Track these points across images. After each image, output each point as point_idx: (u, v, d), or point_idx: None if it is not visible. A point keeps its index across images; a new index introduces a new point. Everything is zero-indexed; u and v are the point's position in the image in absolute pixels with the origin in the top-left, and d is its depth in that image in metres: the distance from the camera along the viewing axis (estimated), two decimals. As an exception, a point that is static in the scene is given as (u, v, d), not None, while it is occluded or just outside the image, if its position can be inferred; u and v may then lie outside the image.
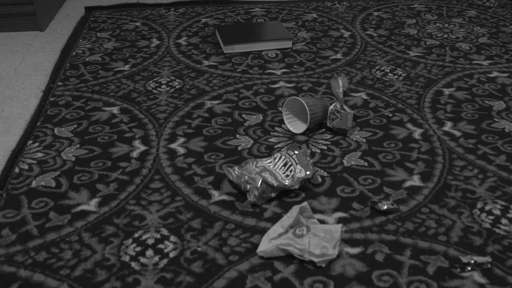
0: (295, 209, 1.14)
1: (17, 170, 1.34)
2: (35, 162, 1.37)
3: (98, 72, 1.83)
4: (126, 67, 1.86)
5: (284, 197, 1.24)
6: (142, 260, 1.08)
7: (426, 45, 2.05)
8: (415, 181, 1.31)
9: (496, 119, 1.57)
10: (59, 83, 1.76)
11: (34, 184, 1.29)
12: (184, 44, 2.04)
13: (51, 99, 1.66)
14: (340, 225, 1.12)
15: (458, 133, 1.49)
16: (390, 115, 1.58)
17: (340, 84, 1.47)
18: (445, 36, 2.14)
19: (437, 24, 2.25)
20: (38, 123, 1.54)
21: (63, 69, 1.85)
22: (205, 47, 2.02)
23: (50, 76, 1.82)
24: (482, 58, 1.95)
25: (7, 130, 1.53)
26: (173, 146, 1.43)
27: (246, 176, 1.23)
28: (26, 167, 1.35)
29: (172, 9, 2.38)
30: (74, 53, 1.96)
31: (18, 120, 1.58)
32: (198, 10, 2.38)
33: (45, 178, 1.31)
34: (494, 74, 1.84)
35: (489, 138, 1.48)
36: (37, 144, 1.44)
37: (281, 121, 1.53)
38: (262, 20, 2.27)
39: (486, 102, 1.66)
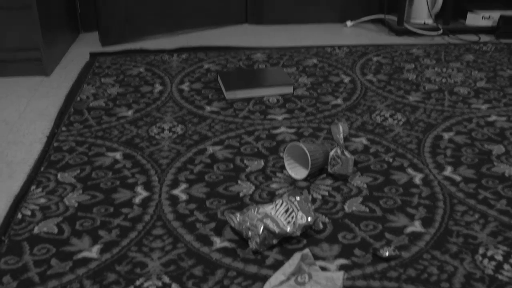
0: (296, 256, 1.15)
1: (19, 216, 1.35)
2: (37, 208, 1.38)
3: (101, 118, 1.85)
4: (129, 113, 1.89)
5: (285, 243, 1.24)
6: (144, 308, 1.08)
7: (425, 90, 2.08)
8: (417, 226, 1.31)
9: (495, 163, 1.58)
10: (63, 128, 1.78)
11: (36, 230, 1.29)
12: (186, 90, 2.08)
13: (55, 144, 1.68)
14: (342, 272, 1.11)
15: (458, 178, 1.50)
16: (391, 160, 1.59)
17: (340, 130, 1.49)
18: (443, 80, 2.18)
19: (436, 69, 2.29)
20: (42, 168, 1.55)
21: (67, 114, 1.88)
22: (208, 93, 2.05)
23: (55, 121, 1.84)
24: (481, 102, 1.98)
25: (11, 175, 1.54)
26: (175, 192, 1.44)
27: (248, 223, 1.23)
28: (29, 213, 1.36)
29: (175, 55, 2.43)
30: (79, 98, 1.99)
31: (22, 165, 1.59)
32: (200, 56, 2.43)
33: (48, 224, 1.31)
34: (493, 118, 1.86)
35: (489, 183, 1.48)
36: (40, 189, 1.45)
37: (283, 167, 1.55)
38: (264, 66, 2.31)
39: (486, 146, 1.67)
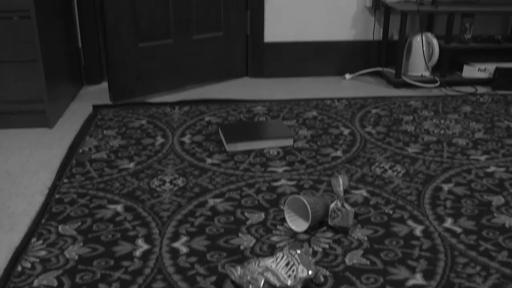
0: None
1: (19, 268, 1.34)
2: (37, 260, 1.37)
3: (103, 170, 1.87)
4: (131, 165, 1.90)
5: (286, 297, 1.24)
6: None
7: (424, 141, 2.11)
8: (418, 279, 1.30)
9: (495, 214, 1.58)
10: (65, 180, 1.79)
11: (36, 283, 1.29)
12: (188, 142, 2.10)
13: (57, 196, 1.69)
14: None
15: (459, 230, 1.50)
16: (391, 213, 1.60)
17: (340, 182, 1.50)
18: (442, 132, 2.20)
19: (434, 121, 2.32)
20: (43, 221, 1.55)
21: (70, 166, 1.89)
22: (209, 145, 2.07)
23: (57, 173, 1.86)
24: (479, 153, 2.00)
25: (12, 227, 1.54)
26: (176, 245, 1.44)
27: (249, 276, 1.23)
28: (29, 265, 1.35)
29: (176, 107, 2.47)
30: (81, 151, 2.02)
31: (23, 217, 1.60)
32: (202, 108, 2.47)
33: (48, 277, 1.31)
34: (492, 169, 1.88)
35: (490, 234, 1.49)
36: (40, 241, 1.45)
37: (283, 220, 1.55)
38: (264, 119, 2.34)
39: (485, 197, 1.68)
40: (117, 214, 1.59)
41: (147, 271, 1.33)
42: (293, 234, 1.49)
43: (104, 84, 2.84)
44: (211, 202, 1.66)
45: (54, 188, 1.75)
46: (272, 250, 1.42)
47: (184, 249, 1.42)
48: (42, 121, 2.26)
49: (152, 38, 2.57)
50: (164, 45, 2.61)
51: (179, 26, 2.63)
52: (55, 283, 1.29)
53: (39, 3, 2.14)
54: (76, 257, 1.39)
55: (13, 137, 2.18)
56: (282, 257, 1.29)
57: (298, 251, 1.30)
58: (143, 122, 2.31)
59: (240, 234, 1.49)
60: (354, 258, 1.38)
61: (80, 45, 2.81)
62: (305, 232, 1.49)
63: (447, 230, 1.50)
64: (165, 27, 2.59)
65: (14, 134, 2.21)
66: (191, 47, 2.70)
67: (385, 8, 2.90)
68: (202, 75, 2.81)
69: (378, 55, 3.02)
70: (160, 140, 2.12)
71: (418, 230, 1.51)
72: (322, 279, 1.30)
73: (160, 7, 2.54)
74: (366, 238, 1.47)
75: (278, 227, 1.53)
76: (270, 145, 2.05)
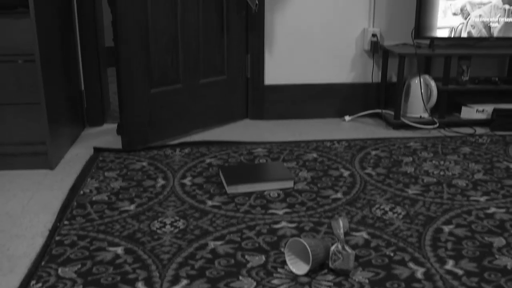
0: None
1: (18, 313, 1.33)
2: (37, 304, 1.37)
3: (104, 212, 1.87)
4: (132, 207, 1.91)
5: None
6: None
7: (424, 183, 2.11)
8: (420, 323, 1.29)
9: (497, 256, 1.58)
10: (66, 222, 1.79)
11: (35, 328, 1.28)
12: (188, 184, 2.11)
13: (57, 238, 1.69)
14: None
15: (460, 272, 1.50)
16: (392, 255, 1.59)
17: (340, 225, 1.50)
18: (441, 173, 2.21)
19: (433, 162, 2.33)
20: (43, 263, 1.55)
21: (70, 208, 1.90)
22: (209, 187, 2.08)
23: (57, 215, 1.86)
24: (479, 194, 2.00)
25: (12, 269, 1.54)
26: (176, 288, 1.44)
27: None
28: (28, 310, 1.35)
29: (177, 149, 2.48)
30: (82, 192, 2.02)
31: (23, 259, 1.59)
32: (202, 150, 2.48)
33: (46, 322, 1.30)
34: (492, 210, 1.88)
35: (492, 276, 1.48)
36: (40, 284, 1.44)
37: (284, 262, 1.54)
38: (264, 160, 2.36)
39: (486, 238, 1.68)
40: (117, 256, 1.58)
41: (147, 315, 1.32)
42: (294, 277, 1.48)
43: (106, 126, 2.87)
44: (212, 244, 1.65)
45: (54, 230, 1.75)
46: (272, 294, 1.41)
47: (184, 293, 1.41)
48: (44, 162, 2.27)
49: (163, 84, 2.58)
50: (174, 90, 2.62)
51: (187, 71, 2.66)
52: (54, 328, 1.28)
53: (43, 46, 2.18)
54: (76, 301, 1.38)
55: (15, 178, 2.19)
56: None
57: None
58: (144, 164, 2.32)
59: (240, 277, 1.48)
60: (356, 302, 1.38)
61: (82, 87, 2.85)
62: (306, 275, 1.49)
63: (449, 272, 1.50)
64: (174, 72, 2.61)
65: (16, 176, 2.22)
66: (198, 91, 2.73)
67: (383, 51, 2.95)
68: (207, 118, 2.83)
69: (377, 97, 3.06)
70: (161, 182, 2.13)
71: (420, 272, 1.50)
72: None
73: (170, 54, 2.57)
74: (367, 281, 1.46)
75: (279, 270, 1.52)
76: (270, 187, 2.05)
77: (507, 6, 2.82)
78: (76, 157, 2.43)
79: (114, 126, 2.80)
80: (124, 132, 2.50)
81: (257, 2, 2.70)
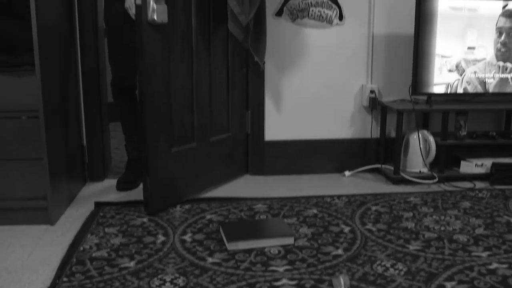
0: None
1: None
2: None
3: (103, 268, 1.86)
4: (132, 264, 1.89)
5: None
6: None
7: (425, 238, 2.11)
8: None
9: (501, 315, 1.56)
10: (65, 279, 1.78)
11: None
12: (189, 241, 2.10)
13: (56, 296, 1.68)
14: None
15: (464, 332, 1.48)
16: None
17: (341, 282, 1.49)
18: (442, 228, 2.21)
19: (434, 217, 2.33)
20: (41, 323, 1.53)
21: (70, 264, 1.89)
22: (209, 244, 2.07)
23: (57, 271, 1.85)
24: (481, 250, 1.99)
25: (9, 329, 1.52)
26: None
27: None
28: None
29: (178, 206, 2.48)
30: (82, 248, 2.01)
31: (21, 318, 1.58)
32: (203, 206, 2.49)
33: None
34: (494, 265, 1.87)
35: (496, 336, 1.46)
36: None
37: (285, 321, 1.53)
38: (265, 217, 2.36)
39: (489, 296, 1.67)
40: (116, 315, 1.57)
41: None
42: (295, 337, 1.47)
43: (107, 182, 2.88)
44: (212, 303, 1.64)
45: (53, 287, 1.74)
46: None
47: None
48: (44, 218, 2.27)
49: (181, 143, 2.56)
50: (189, 149, 2.61)
51: (200, 128, 2.66)
52: None
53: (47, 103, 2.22)
54: None
55: (15, 234, 2.18)
56: None
57: None
58: (145, 220, 2.32)
59: (241, 337, 1.46)
60: None
61: (84, 142, 2.87)
62: (307, 334, 1.47)
63: (452, 331, 1.48)
64: (190, 130, 2.61)
65: (16, 231, 2.21)
66: (209, 149, 2.73)
67: (382, 107, 3.00)
68: (215, 176, 2.82)
69: (377, 152, 3.08)
70: (161, 238, 2.12)
71: (422, 332, 1.48)
72: None
73: (187, 114, 2.58)
74: None
75: (280, 329, 1.50)
76: (271, 243, 2.05)
77: (501, 63, 2.89)
78: (77, 212, 2.43)
79: (115, 181, 2.81)
80: (150, 195, 2.39)
81: (264, 60, 2.76)
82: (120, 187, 2.77)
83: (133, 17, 2.35)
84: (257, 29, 2.67)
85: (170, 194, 2.49)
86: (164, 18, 2.26)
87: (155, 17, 2.21)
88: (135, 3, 2.23)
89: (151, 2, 2.20)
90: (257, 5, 2.59)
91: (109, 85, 2.82)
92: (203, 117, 2.68)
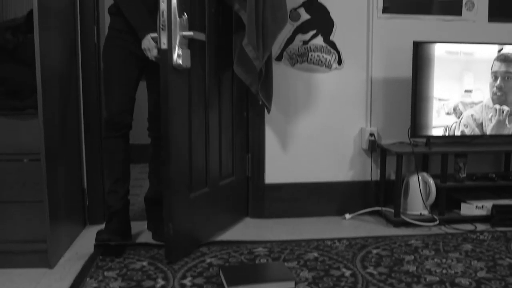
0: None
1: None
2: None
3: (102, 314, 1.84)
4: (131, 309, 1.88)
5: None
6: None
7: (426, 282, 2.09)
8: None
9: None
10: (63, 326, 1.76)
11: None
12: (189, 285, 2.08)
13: None
14: None
15: None
16: None
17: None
18: (444, 271, 2.19)
19: (435, 260, 2.32)
20: None
21: (68, 310, 1.87)
22: (210, 288, 2.06)
23: (54, 318, 1.83)
24: (483, 295, 1.98)
25: None
26: None
27: None
28: None
29: (178, 248, 2.47)
30: (80, 294, 2.00)
31: None
32: (203, 250, 2.47)
33: None
34: (498, 311, 1.85)
35: None
36: None
37: None
38: (265, 260, 2.34)
39: None
40: None
41: None
42: None
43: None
44: None
45: (51, 334, 1.72)
46: None
47: None
48: (43, 261, 2.25)
49: (197, 188, 2.54)
50: (204, 194, 2.59)
51: (212, 173, 2.66)
52: None
53: (49, 146, 2.24)
54: None
55: (12, 278, 2.16)
56: None
57: None
58: (145, 263, 2.30)
59: None
60: None
61: (85, 185, 2.88)
62: None
63: None
64: (203, 176, 2.61)
65: (14, 274, 2.19)
66: (218, 193, 2.73)
67: (381, 150, 3.01)
68: (222, 221, 2.80)
69: (377, 194, 3.08)
70: (161, 282, 2.10)
71: None
72: None
73: (201, 160, 2.58)
74: None
75: None
76: (271, 287, 2.03)
77: (497, 106, 2.92)
78: (76, 255, 2.42)
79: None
80: (172, 243, 2.32)
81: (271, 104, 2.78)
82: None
83: (153, 59, 2.34)
84: (265, 75, 2.69)
85: (188, 241, 2.46)
86: (188, 63, 2.28)
87: (181, 62, 2.23)
88: (158, 47, 2.24)
89: (176, 47, 2.22)
90: (270, 50, 2.62)
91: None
92: (214, 161, 2.69)
